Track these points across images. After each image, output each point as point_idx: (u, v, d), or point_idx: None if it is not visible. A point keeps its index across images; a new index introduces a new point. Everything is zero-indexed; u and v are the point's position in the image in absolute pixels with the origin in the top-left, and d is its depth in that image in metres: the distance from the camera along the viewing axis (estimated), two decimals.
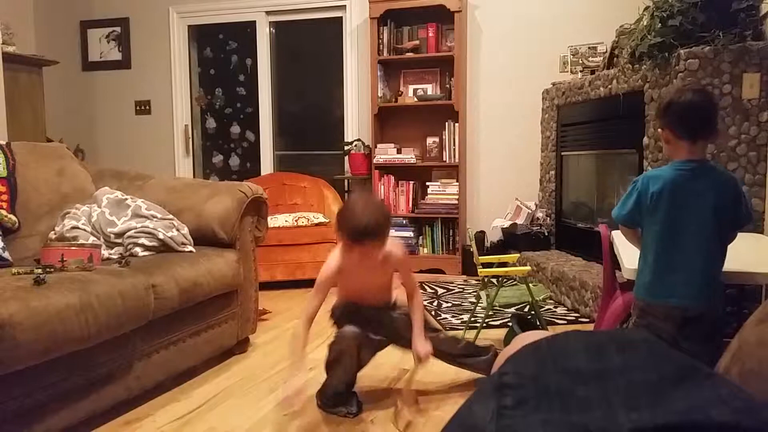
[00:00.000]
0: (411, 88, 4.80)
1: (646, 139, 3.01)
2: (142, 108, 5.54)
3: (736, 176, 2.08)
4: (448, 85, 4.66)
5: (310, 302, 1.97)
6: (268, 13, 5.23)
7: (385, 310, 2.18)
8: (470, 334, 2.75)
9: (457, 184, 4.58)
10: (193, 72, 5.63)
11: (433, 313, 3.41)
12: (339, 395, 2.08)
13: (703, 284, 1.67)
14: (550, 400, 0.58)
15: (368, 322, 2.10)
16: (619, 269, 2.01)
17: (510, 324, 2.78)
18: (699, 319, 1.66)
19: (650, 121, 2.98)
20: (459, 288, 4.05)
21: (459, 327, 3.07)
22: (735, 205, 1.70)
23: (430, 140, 4.77)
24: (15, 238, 2.36)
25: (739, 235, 2.56)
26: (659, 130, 1.76)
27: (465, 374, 2.43)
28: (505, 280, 2.79)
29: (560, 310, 3.45)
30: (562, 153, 4.14)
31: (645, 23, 2.91)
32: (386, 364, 2.45)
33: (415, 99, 4.70)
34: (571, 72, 4.27)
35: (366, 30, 4.76)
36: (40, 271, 1.88)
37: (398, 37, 4.72)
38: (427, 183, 4.69)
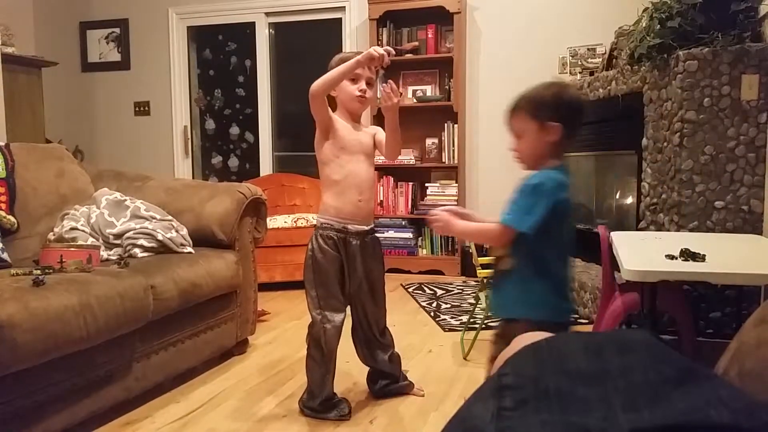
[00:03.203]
0: (410, 89, 4.81)
1: (645, 141, 3.01)
2: (142, 109, 5.54)
3: None
4: (447, 86, 4.66)
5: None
6: (267, 14, 5.24)
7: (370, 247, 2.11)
8: (469, 336, 2.75)
9: (457, 185, 4.58)
10: (193, 73, 5.63)
11: (432, 314, 3.41)
12: (328, 399, 2.07)
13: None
14: (549, 401, 0.58)
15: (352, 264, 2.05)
16: (618, 270, 2.01)
17: None
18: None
19: (649, 122, 2.98)
20: (458, 289, 4.05)
21: (458, 328, 3.07)
22: None
23: (429, 141, 4.77)
24: (14, 239, 2.36)
25: (739, 236, 2.57)
26: (548, 122, 1.48)
27: (465, 374, 2.44)
28: None
29: None
30: None
31: (644, 24, 2.91)
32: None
33: (415, 100, 4.71)
34: (570, 73, 4.27)
35: (365, 31, 4.76)
36: (39, 272, 1.88)
37: (397, 38, 4.72)
38: (426, 184, 4.69)
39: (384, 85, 2.02)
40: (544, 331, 1.47)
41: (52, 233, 2.43)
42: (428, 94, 4.74)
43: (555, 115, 1.47)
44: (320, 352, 2.04)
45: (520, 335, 0.88)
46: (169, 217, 2.55)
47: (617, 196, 3.68)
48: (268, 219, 2.91)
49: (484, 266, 2.76)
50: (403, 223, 4.68)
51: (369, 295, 2.11)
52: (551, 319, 1.46)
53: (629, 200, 3.42)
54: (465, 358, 2.65)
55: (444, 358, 2.67)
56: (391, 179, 4.73)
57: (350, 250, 2.04)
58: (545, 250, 1.47)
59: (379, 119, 4.74)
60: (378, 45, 4.63)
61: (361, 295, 2.10)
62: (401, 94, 4.77)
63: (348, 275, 2.05)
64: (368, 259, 2.08)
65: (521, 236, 1.43)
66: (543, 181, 1.45)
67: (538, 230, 1.42)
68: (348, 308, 2.12)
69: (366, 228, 2.07)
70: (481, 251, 2.80)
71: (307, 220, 4.19)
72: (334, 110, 2.07)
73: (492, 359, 1.50)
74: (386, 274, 2.23)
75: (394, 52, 2.04)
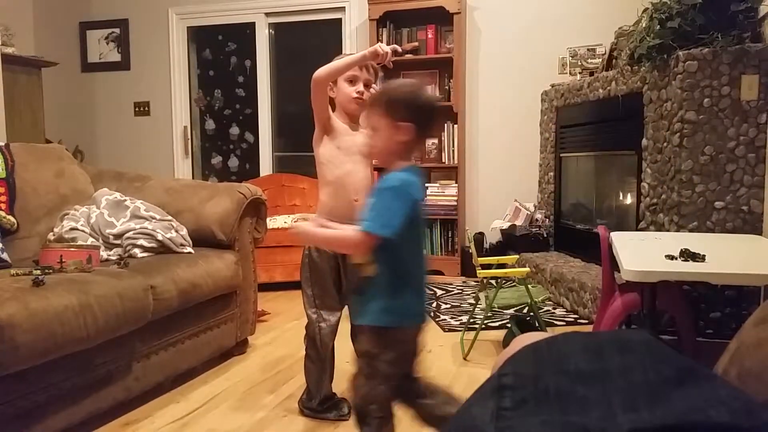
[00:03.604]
0: None
1: (645, 141, 3.01)
2: (142, 109, 5.54)
3: None
4: (447, 87, 4.66)
5: None
6: (267, 14, 5.24)
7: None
8: (469, 336, 2.75)
9: (456, 185, 4.58)
10: (192, 73, 5.63)
11: (431, 314, 3.41)
12: (328, 399, 2.07)
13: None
14: (549, 401, 0.58)
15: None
16: (618, 270, 2.01)
17: (509, 325, 2.78)
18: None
19: (649, 122, 2.98)
20: (458, 289, 4.05)
21: (458, 328, 3.07)
22: None
23: (429, 141, 4.77)
24: (14, 240, 2.36)
25: (739, 237, 2.57)
26: (401, 122, 1.44)
27: (465, 374, 2.44)
28: (504, 281, 2.79)
29: (559, 311, 3.46)
30: (561, 154, 4.14)
31: (644, 25, 2.91)
32: None
33: None
34: (570, 74, 4.27)
35: (365, 31, 4.76)
36: (38, 272, 1.88)
37: (397, 39, 4.72)
38: (426, 184, 4.69)
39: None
40: (406, 334, 1.47)
41: (51, 233, 2.43)
42: None
43: (408, 116, 1.45)
44: (316, 351, 2.05)
45: (519, 336, 0.88)
46: (169, 218, 2.55)
47: (617, 197, 3.68)
48: (268, 219, 2.91)
49: (484, 266, 2.76)
50: None
51: None
52: (416, 323, 1.49)
53: (629, 200, 3.42)
54: (465, 358, 2.65)
55: (444, 358, 2.67)
56: None
57: None
58: (405, 254, 1.45)
59: None
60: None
61: None
62: None
63: (344, 275, 2.06)
64: None
65: (383, 241, 1.40)
66: (399, 184, 1.42)
67: (399, 234, 1.39)
68: (346, 309, 2.13)
69: None
70: (481, 251, 2.80)
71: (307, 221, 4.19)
72: (332, 111, 2.07)
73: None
74: None
75: (400, 50, 2.04)
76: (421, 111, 1.47)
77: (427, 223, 1.52)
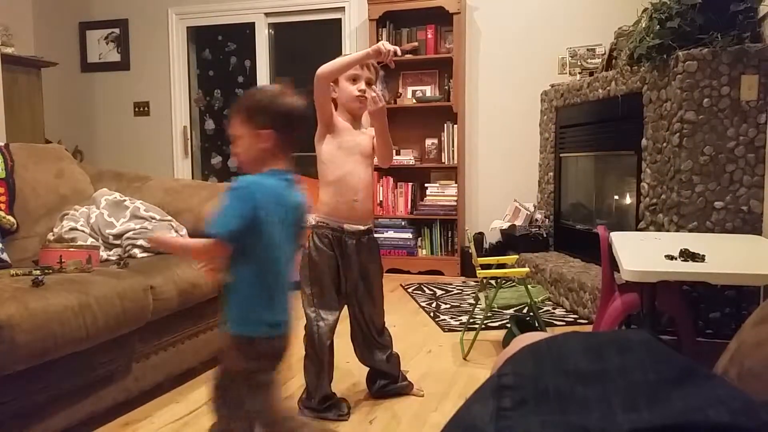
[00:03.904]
0: (410, 89, 4.81)
1: (644, 141, 3.01)
2: (141, 109, 5.54)
3: None
4: (446, 87, 4.67)
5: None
6: (267, 14, 5.23)
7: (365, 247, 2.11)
8: (469, 336, 2.75)
9: (456, 185, 4.58)
10: (192, 73, 5.63)
11: (431, 314, 3.41)
12: (327, 398, 2.08)
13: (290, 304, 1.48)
14: (549, 401, 0.58)
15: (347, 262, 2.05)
16: (618, 270, 2.02)
17: (509, 325, 2.78)
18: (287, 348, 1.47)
19: (649, 122, 2.98)
20: (458, 289, 4.05)
21: (458, 328, 3.07)
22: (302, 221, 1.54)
23: (428, 142, 4.77)
24: (13, 240, 2.36)
25: (738, 237, 2.57)
26: (261, 129, 1.42)
27: (465, 374, 2.43)
28: (503, 281, 2.79)
29: (559, 311, 3.46)
30: (561, 154, 4.15)
31: (643, 25, 2.91)
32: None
33: (414, 100, 4.71)
34: (570, 74, 4.28)
35: (365, 31, 4.76)
36: (38, 272, 1.88)
37: (397, 39, 4.72)
38: (426, 184, 4.69)
39: (377, 89, 2.03)
40: (262, 345, 1.39)
41: (51, 233, 2.43)
42: (428, 94, 4.74)
43: (268, 122, 1.42)
44: (314, 351, 2.05)
45: (519, 336, 0.88)
46: (169, 218, 2.55)
47: (617, 197, 3.68)
48: None
49: (483, 266, 2.76)
50: (403, 223, 4.68)
51: (366, 295, 2.11)
52: (272, 333, 1.40)
53: (629, 200, 3.42)
54: (464, 358, 2.65)
55: (443, 359, 2.67)
56: (391, 180, 4.73)
57: (345, 250, 2.04)
58: (259, 261, 1.38)
59: None
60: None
61: (357, 296, 2.10)
62: (400, 94, 4.77)
63: (343, 275, 2.06)
64: (365, 260, 2.08)
65: (235, 247, 1.36)
66: (243, 185, 1.38)
67: (248, 239, 1.35)
68: (346, 308, 2.13)
69: (362, 228, 2.07)
70: (481, 251, 2.80)
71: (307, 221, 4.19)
72: (335, 110, 2.08)
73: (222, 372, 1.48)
74: (386, 274, 2.23)
75: (401, 53, 2.05)
76: (280, 117, 1.44)
77: (298, 231, 1.49)
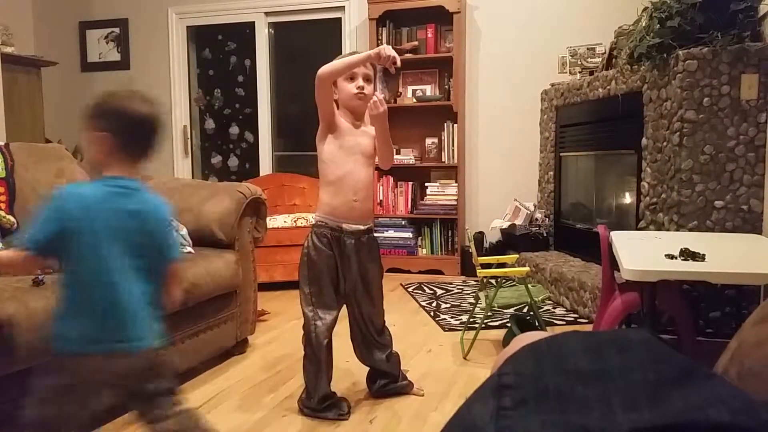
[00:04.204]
0: (410, 89, 4.81)
1: (644, 140, 3.01)
2: None
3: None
4: (447, 86, 4.66)
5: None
6: (267, 14, 5.23)
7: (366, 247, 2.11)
8: (469, 335, 2.75)
9: (456, 184, 4.58)
10: (192, 73, 5.63)
11: (431, 313, 3.41)
12: (327, 398, 2.08)
13: (139, 319, 1.36)
14: (549, 400, 0.58)
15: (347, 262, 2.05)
16: (618, 270, 2.02)
17: (509, 325, 2.78)
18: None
19: (649, 122, 2.98)
20: (458, 289, 4.05)
21: (458, 328, 3.07)
22: (164, 232, 1.52)
23: (428, 141, 4.77)
24: (13, 240, 2.36)
25: (739, 236, 2.57)
26: (95, 132, 1.38)
27: (465, 374, 2.43)
28: (504, 280, 2.79)
29: (559, 310, 3.46)
30: (561, 154, 4.14)
31: (644, 24, 2.91)
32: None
33: (414, 100, 4.71)
34: (570, 73, 4.28)
35: (365, 31, 4.76)
36: (38, 272, 1.88)
37: (397, 38, 4.72)
38: (426, 184, 4.70)
39: (377, 92, 2.04)
40: (74, 364, 1.30)
41: None
42: (428, 93, 4.74)
43: (104, 126, 1.38)
44: (312, 350, 2.05)
45: (519, 336, 0.88)
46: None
47: (617, 196, 3.68)
48: (267, 219, 2.91)
49: (483, 266, 2.76)
50: (403, 222, 4.68)
51: (365, 295, 2.11)
52: (88, 351, 1.31)
53: (629, 200, 3.42)
54: (465, 358, 2.65)
55: (444, 358, 2.67)
56: (391, 179, 4.73)
57: (344, 249, 2.04)
58: (75, 274, 1.32)
59: None
60: (378, 44, 4.64)
61: (357, 295, 2.10)
62: (400, 94, 4.77)
63: (342, 274, 2.06)
64: (364, 259, 2.08)
65: (55, 259, 1.31)
66: (55, 196, 1.31)
67: (62, 252, 1.30)
68: (345, 308, 2.13)
69: (362, 228, 2.07)
70: (481, 251, 2.80)
71: (307, 220, 4.19)
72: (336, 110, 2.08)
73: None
74: (386, 273, 2.23)
75: (400, 64, 2.06)
76: (118, 121, 1.38)
77: (131, 240, 1.35)
